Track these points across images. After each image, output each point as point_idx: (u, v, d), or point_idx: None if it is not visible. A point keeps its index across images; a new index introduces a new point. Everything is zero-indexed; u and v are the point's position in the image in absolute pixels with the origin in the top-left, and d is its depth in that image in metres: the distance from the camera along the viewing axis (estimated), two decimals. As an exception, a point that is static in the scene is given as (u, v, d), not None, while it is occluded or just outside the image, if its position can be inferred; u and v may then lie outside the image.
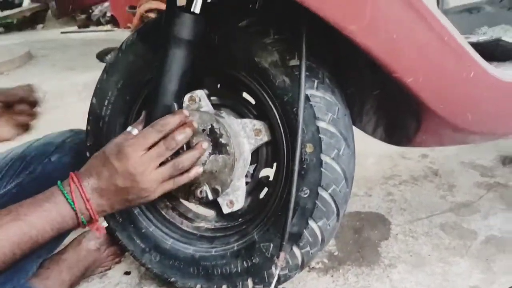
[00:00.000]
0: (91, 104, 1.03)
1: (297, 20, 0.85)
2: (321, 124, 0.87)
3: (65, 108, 2.57)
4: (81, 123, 1.11)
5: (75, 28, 6.16)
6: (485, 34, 1.10)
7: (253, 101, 1.00)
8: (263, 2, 1.06)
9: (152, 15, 3.43)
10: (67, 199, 0.75)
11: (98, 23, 6.26)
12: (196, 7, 0.84)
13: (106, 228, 1.06)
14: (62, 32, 5.78)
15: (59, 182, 0.78)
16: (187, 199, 0.97)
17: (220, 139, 0.92)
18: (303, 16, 0.84)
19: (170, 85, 0.84)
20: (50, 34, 5.86)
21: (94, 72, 3.13)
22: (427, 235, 1.29)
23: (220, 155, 0.92)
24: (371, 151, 1.72)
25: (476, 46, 0.93)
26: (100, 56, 3.58)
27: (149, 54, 0.97)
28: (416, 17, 0.76)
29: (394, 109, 1.02)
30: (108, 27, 6.03)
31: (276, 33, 0.89)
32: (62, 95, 2.74)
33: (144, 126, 0.82)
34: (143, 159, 0.77)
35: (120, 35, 5.05)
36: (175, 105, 0.85)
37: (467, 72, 0.83)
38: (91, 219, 0.78)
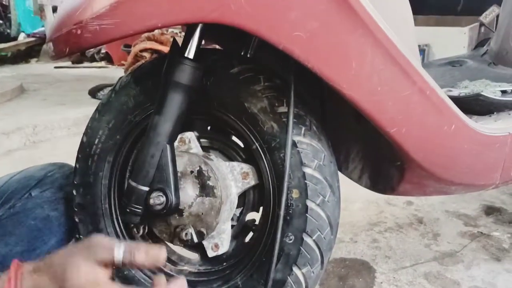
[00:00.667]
0: (82, 142, 1.04)
1: (286, 69, 0.89)
2: (308, 170, 0.88)
3: (54, 142, 2.57)
4: (69, 158, 1.12)
5: (69, 63, 6.23)
6: (466, 88, 1.15)
7: (241, 145, 1.02)
8: (255, 51, 1.10)
9: (146, 54, 3.50)
10: None
11: (92, 59, 6.34)
12: (190, 52, 0.87)
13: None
14: (55, 67, 5.83)
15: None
16: (171, 241, 0.97)
17: (208, 182, 0.93)
18: (292, 65, 0.87)
19: (165, 126, 0.86)
20: (44, 68, 5.90)
21: (85, 108, 3.18)
22: (411, 284, 1.29)
23: (207, 198, 0.93)
24: (358, 196, 1.74)
25: (457, 100, 0.97)
26: (92, 93, 3.61)
27: (141, 96, 0.99)
28: (399, 72, 0.80)
29: (379, 158, 1.05)
30: (102, 63, 6.11)
31: (266, 80, 0.92)
32: (51, 129, 2.74)
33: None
34: None
35: (113, 72, 5.12)
36: (168, 147, 0.87)
37: (448, 125, 0.87)
38: None
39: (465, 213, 1.73)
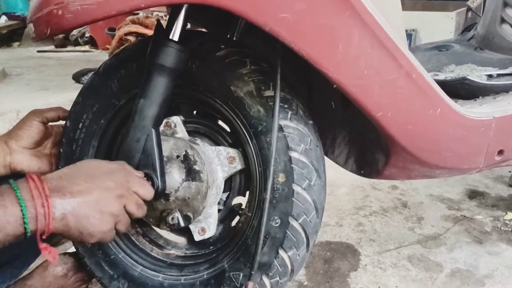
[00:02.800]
0: (65, 127, 1.03)
1: (273, 53, 0.88)
2: (294, 155, 0.88)
3: (38, 128, 2.52)
4: None
5: (52, 47, 6.10)
6: (453, 72, 1.15)
7: (228, 129, 1.01)
8: (240, 33, 1.09)
9: (131, 38, 3.44)
10: (16, 192, 0.63)
11: (76, 43, 6.21)
12: (175, 34, 0.85)
13: (74, 253, 1.04)
14: (38, 51, 5.70)
15: (12, 180, 0.66)
16: (158, 226, 0.97)
17: (194, 166, 0.92)
18: (278, 49, 0.86)
19: (150, 109, 0.85)
20: (26, 52, 5.77)
21: (70, 93, 3.13)
22: (395, 266, 1.30)
23: (194, 182, 0.92)
24: (344, 181, 1.76)
25: (443, 84, 0.97)
26: (76, 77, 3.54)
27: (126, 79, 0.97)
28: (386, 55, 0.80)
29: (364, 143, 1.05)
30: (86, 47, 5.99)
31: (252, 63, 0.91)
32: (34, 115, 2.69)
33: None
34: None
35: (98, 57, 5.03)
36: (154, 132, 0.86)
37: (433, 109, 0.87)
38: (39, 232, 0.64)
39: (448, 197, 1.75)
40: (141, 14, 3.67)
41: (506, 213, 1.61)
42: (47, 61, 4.97)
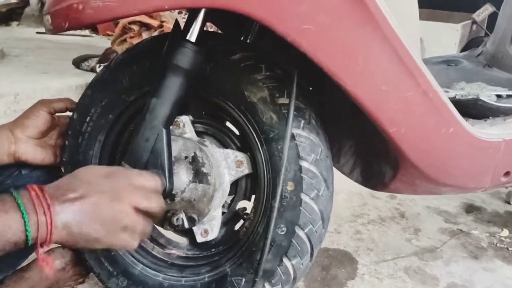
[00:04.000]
0: (72, 118, 1.01)
1: (289, 61, 0.88)
2: (304, 164, 0.88)
3: (36, 112, 2.50)
4: None
5: (52, 29, 6.04)
6: (463, 90, 1.15)
7: (237, 132, 1.01)
8: (255, 37, 1.08)
9: (135, 27, 3.41)
10: (17, 201, 0.62)
11: (76, 27, 6.16)
12: (192, 36, 0.84)
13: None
14: (37, 32, 5.63)
15: (12, 189, 0.65)
16: (161, 226, 0.96)
17: (202, 168, 0.92)
18: (295, 58, 0.86)
19: (162, 109, 0.84)
20: (25, 33, 5.70)
21: (69, 79, 3.10)
22: (391, 277, 1.31)
23: (200, 184, 0.92)
24: (343, 187, 1.75)
25: (454, 102, 0.97)
26: (77, 63, 3.50)
27: (137, 76, 0.96)
28: (405, 72, 0.80)
29: (372, 155, 1.05)
30: (87, 32, 5.93)
31: (267, 69, 0.90)
32: (33, 99, 2.66)
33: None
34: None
35: (99, 42, 4.98)
36: (164, 132, 0.85)
37: (446, 128, 0.87)
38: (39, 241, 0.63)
39: (446, 210, 1.76)
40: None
41: (502, 230, 1.62)
42: (46, 43, 4.91)
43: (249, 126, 0.91)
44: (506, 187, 1.91)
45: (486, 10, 2.77)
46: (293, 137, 0.87)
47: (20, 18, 6.61)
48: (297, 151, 0.88)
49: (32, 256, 1.04)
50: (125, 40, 3.48)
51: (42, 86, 2.93)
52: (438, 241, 1.52)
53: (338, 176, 1.23)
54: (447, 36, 2.92)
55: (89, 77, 2.97)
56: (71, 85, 2.99)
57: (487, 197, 1.89)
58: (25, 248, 0.63)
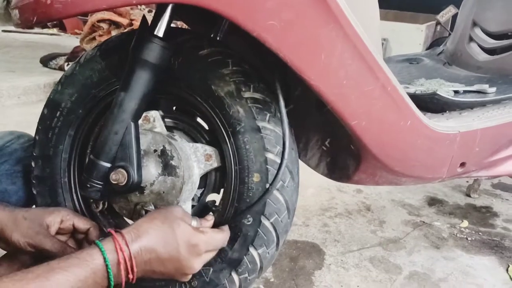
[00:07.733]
0: (42, 114, 1.01)
1: (271, 72, 0.91)
2: (270, 156, 0.91)
3: (2, 111, 2.46)
4: (19, 128, 1.10)
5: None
6: (422, 86, 1.21)
7: (206, 127, 1.03)
8: (224, 34, 1.11)
9: (104, 25, 3.38)
10: (107, 268, 0.70)
11: (43, 25, 6.03)
12: (160, 31, 0.86)
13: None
14: (3, 31, 5.50)
15: (98, 242, 0.73)
16: (131, 218, 0.97)
17: (171, 161, 0.93)
18: (277, 67, 0.89)
19: (131, 103, 0.86)
20: (-10, 31, 5.57)
21: (37, 77, 3.05)
22: (357, 267, 1.36)
23: (169, 177, 0.94)
24: (311, 182, 1.80)
25: (413, 96, 1.02)
26: (44, 61, 3.45)
27: (107, 71, 0.97)
28: (365, 67, 0.84)
29: (337, 148, 1.09)
30: (54, 30, 5.82)
31: (234, 64, 0.93)
32: (0, 97, 2.61)
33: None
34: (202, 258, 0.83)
35: (66, 41, 4.90)
36: (133, 125, 0.86)
37: (404, 121, 0.92)
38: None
39: (409, 203, 1.83)
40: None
41: (462, 221, 1.70)
42: (13, 42, 4.81)
43: (217, 119, 0.94)
44: (467, 181, 2.00)
45: (450, 11, 2.88)
46: (258, 130, 0.90)
47: (-15, 16, 6.41)
48: (263, 143, 0.90)
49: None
50: (94, 38, 3.45)
51: (9, 85, 2.87)
52: (401, 232, 1.58)
53: (307, 171, 1.27)
54: (412, 36, 3.02)
55: (57, 75, 2.93)
56: (39, 83, 2.95)
57: (448, 190, 1.97)
58: None
